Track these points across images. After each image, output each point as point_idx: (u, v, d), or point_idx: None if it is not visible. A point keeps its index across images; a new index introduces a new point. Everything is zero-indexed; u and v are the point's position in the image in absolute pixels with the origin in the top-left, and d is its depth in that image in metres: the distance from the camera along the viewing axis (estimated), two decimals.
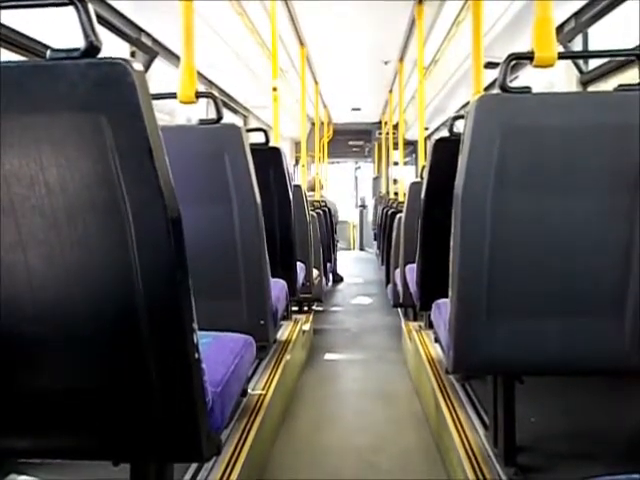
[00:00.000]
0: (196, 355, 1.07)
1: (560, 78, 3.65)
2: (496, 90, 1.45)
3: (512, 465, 1.62)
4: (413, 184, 3.36)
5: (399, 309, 4.35)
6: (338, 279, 7.01)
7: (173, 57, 4.03)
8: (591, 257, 1.43)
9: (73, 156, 0.96)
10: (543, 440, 1.82)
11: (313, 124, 9.55)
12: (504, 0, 3.69)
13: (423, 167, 3.21)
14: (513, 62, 1.46)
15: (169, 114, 4.51)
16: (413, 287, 2.88)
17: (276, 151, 2.80)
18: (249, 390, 2.25)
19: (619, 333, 1.44)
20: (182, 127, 2.47)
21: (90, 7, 0.96)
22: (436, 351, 2.79)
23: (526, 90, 1.42)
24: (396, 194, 8.17)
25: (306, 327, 3.69)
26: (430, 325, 3.02)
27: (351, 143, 12.30)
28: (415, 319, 3.63)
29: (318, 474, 2.02)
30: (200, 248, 1.73)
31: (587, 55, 3.37)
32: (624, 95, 1.41)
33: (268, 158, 2.72)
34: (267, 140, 2.76)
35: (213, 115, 2.03)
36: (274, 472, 2.03)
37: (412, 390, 2.92)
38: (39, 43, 2.55)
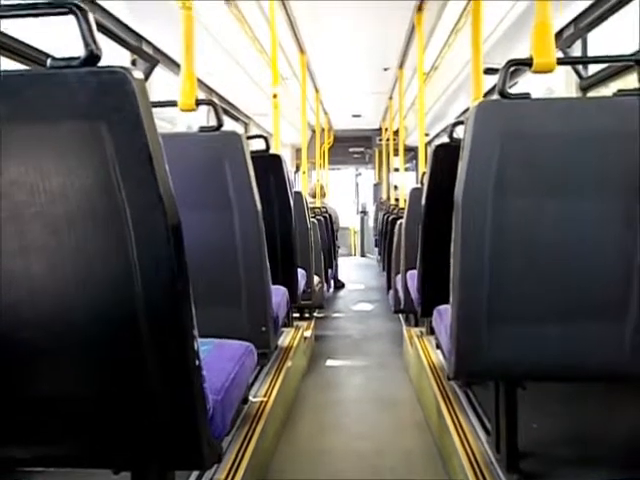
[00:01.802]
0: (197, 362, 1.07)
1: (559, 84, 3.66)
2: (495, 96, 1.46)
3: (514, 471, 1.61)
4: (414, 190, 3.36)
5: (400, 315, 4.34)
6: (339, 285, 7.01)
7: (173, 65, 4.04)
8: (592, 262, 1.43)
9: (74, 164, 0.97)
10: (545, 446, 1.81)
11: (314, 131, 9.57)
12: (504, 4, 3.70)
13: (423, 173, 3.21)
14: (512, 68, 1.46)
15: (169, 122, 4.53)
16: (414, 293, 2.88)
17: (277, 158, 2.80)
18: (250, 397, 2.25)
19: (621, 338, 1.43)
20: (182, 134, 2.48)
21: (90, 16, 0.96)
22: (437, 357, 2.78)
23: (525, 96, 1.42)
24: (397, 200, 8.18)
25: (307, 334, 3.68)
26: (431, 331, 3.02)
27: (352, 149, 12.31)
28: (416, 325, 3.62)
29: None
30: (200, 255, 1.73)
31: (586, 61, 3.38)
32: (623, 100, 1.41)
33: (269, 165, 2.73)
34: (268, 147, 2.77)
35: (213, 122, 2.04)
36: (276, 479, 2.03)
37: (414, 396, 2.91)
38: (40, 52, 2.56)
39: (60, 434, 1.12)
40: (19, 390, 1.10)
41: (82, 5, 0.96)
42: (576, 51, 3.52)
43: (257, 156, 2.19)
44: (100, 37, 0.98)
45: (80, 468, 1.29)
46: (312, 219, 4.17)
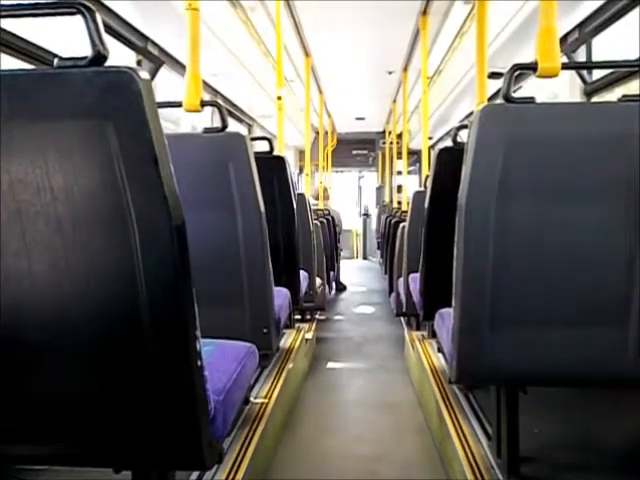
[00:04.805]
0: (199, 363, 1.07)
1: (564, 88, 3.66)
2: (500, 100, 1.46)
3: (515, 475, 1.61)
4: (417, 193, 3.36)
5: (402, 318, 4.34)
6: (341, 288, 7.00)
7: (179, 66, 4.06)
8: (595, 267, 1.43)
9: (79, 163, 0.97)
10: (546, 450, 1.81)
11: (317, 133, 9.59)
12: (509, 8, 3.71)
13: (427, 176, 3.22)
14: (517, 72, 1.46)
15: (173, 122, 4.54)
16: (416, 296, 2.88)
17: (280, 160, 2.81)
18: (251, 398, 2.25)
19: (623, 343, 1.43)
20: (187, 135, 2.48)
21: (97, 16, 0.97)
22: (439, 361, 2.78)
23: (530, 100, 1.42)
24: (399, 203, 8.19)
25: (309, 336, 3.68)
26: (433, 334, 3.01)
27: (355, 152, 12.34)
28: (418, 328, 3.62)
29: None
30: (204, 256, 1.74)
31: (591, 66, 3.38)
32: (627, 106, 1.41)
33: (272, 167, 2.73)
34: (271, 149, 2.77)
35: (218, 124, 2.04)
36: None
37: (415, 399, 2.91)
38: (47, 51, 2.57)
39: (61, 432, 1.12)
40: (21, 388, 1.10)
41: (90, 5, 0.96)
42: (581, 56, 3.53)
43: (261, 158, 2.19)
44: (105, 37, 0.98)
45: (81, 466, 1.30)
46: (315, 221, 4.17)
